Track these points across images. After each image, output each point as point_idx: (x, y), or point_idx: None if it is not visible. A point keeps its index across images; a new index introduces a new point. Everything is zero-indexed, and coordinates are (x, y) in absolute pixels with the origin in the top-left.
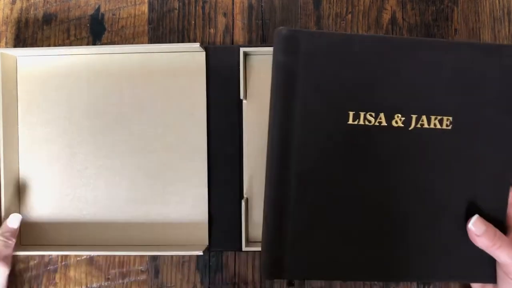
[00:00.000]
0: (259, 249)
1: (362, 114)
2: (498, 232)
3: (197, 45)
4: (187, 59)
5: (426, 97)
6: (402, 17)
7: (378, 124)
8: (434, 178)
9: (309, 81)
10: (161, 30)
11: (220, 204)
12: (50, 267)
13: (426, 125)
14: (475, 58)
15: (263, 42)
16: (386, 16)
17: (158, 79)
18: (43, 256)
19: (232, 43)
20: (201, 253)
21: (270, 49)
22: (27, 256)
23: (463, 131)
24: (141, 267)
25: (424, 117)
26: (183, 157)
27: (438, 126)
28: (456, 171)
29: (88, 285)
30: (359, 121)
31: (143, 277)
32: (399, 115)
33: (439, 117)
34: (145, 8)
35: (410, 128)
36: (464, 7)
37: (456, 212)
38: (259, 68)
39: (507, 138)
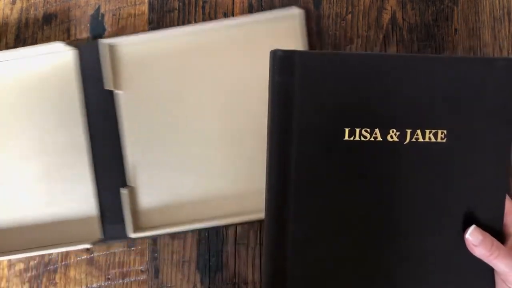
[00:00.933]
0: (151, 234)
1: (357, 130)
2: (496, 242)
3: (61, 44)
4: (55, 61)
5: (420, 112)
6: (402, 17)
7: (373, 139)
8: (431, 190)
9: (305, 100)
10: None
11: (107, 196)
12: (50, 267)
13: (421, 139)
14: (467, 72)
15: None
16: (386, 16)
17: (31, 86)
18: (43, 256)
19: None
20: (89, 245)
21: (136, 37)
22: (27, 256)
23: (458, 143)
24: (141, 267)
25: (418, 131)
26: (66, 156)
27: (433, 140)
28: (452, 182)
29: (88, 285)
30: (354, 137)
31: (143, 277)
32: (394, 130)
33: (433, 131)
34: (145, 8)
35: (405, 143)
36: (464, 7)
37: (454, 223)
38: (129, 59)
39: (501, 149)
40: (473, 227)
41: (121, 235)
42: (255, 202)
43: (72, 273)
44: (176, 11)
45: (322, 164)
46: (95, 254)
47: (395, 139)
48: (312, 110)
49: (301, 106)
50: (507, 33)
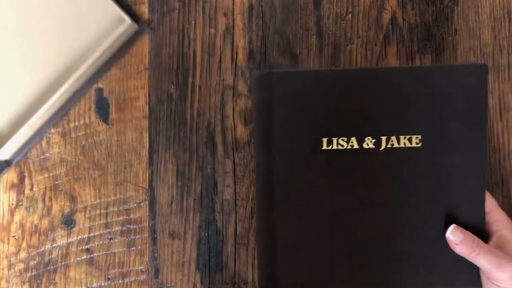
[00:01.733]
0: None
1: (334, 139)
2: (477, 239)
3: None
4: None
5: (394, 119)
6: (402, 17)
7: (350, 147)
8: (410, 192)
9: (284, 114)
10: (161, 30)
11: None
12: (50, 267)
13: (396, 145)
14: (436, 80)
15: (264, 42)
16: (386, 16)
17: None
18: (43, 256)
19: (232, 44)
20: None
21: None
22: (27, 256)
23: (433, 147)
24: (141, 267)
25: (393, 138)
26: None
27: (408, 145)
28: (430, 183)
29: (88, 285)
30: (332, 146)
31: (143, 277)
32: (370, 138)
33: (408, 136)
34: (145, 8)
35: (381, 149)
36: (464, 7)
37: (436, 223)
38: None
39: (475, 150)
40: (453, 226)
41: None
42: None
43: (72, 273)
44: (176, 11)
45: (303, 173)
46: (95, 254)
47: (371, 146)
48: (291, 124)
49: (280, 119)
50: (507, 33)
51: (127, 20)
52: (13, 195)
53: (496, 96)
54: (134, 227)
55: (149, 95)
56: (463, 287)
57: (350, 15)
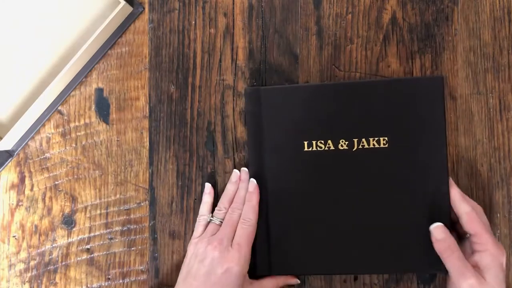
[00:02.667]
0: None
1: (314, 142)
2: (453, 244)
3: None
4: None
5: (363, 124)
6: (402, 17)
7: (327, 148)
8: (380, 186)
9: (270, 122)
10: (161, 30)
11: None
12: (51, 267)
13: (366, 146)
14: (399, 90)
15: (264, 42)
16: (386, 16)
17: None
18: (43, 256)
19: (233, 44)
20: None
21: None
22: (28, 256)
23: (398, 147)
24: (141, 267)
25: (364, 140)
26: None
27: (377, 145)
28: (398, 178)
29: (89, 285)
30: (312, 148)
31: (143, 277)
32: (343, 140)
33: (376, 138)
34: (145, 8)
35: (353, 149)
36: (464, 7)
37: (404, 213)
38: None
39: (435, 147)
40: (438, 224)
41: None
42: None
43: (72, 273)
44: (176, 11)
45: (289, 171)
46: (96, 254)
47: (345, 147)
48: (277, 130)
49: (268, 127)
50: (507, 33)
51: (122, 1)
52: (13, 195)
53: (496, 96)
54: (135, 227)
55: (149, 95)
56: (430, 271)
57: (350, 15)
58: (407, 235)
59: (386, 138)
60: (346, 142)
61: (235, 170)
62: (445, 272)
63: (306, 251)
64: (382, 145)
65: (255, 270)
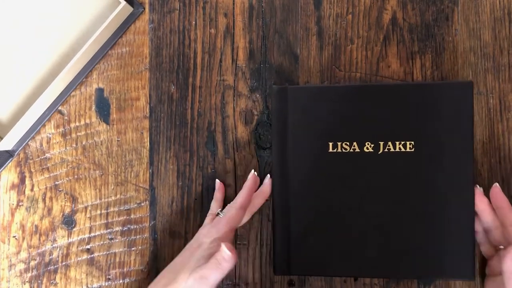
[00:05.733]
0: None
1: (339, 143)
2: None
3: None
4: None
5: (390, 128)
6: (403, 17)
7: (352, 150)
8: (405, 191)
9: (296, 121)
10: (162, 30)
11: None
12: (51, 267)
13: (392, 149)
14: (428, 95)
15: (264, 42)
16: (387, 17)
17: None
18: (43, 256)
19: (233, 44)
20: None
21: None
22: (28, 256)
23: (424, 151)
24: (142, 267)
25: (390, 143)
26: None
27: (403, 149)
28: (423, 183)
29: (89, 285)
30: (337, 149)
31: (143, 277)
32: (369, 142)
33: (402, 142)
34: (145, 8)
35: (379, 152)
36: (464, 7)
37: (430, 218)
38: None
39: (462, 153)
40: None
41: None
42: None
43: (72, 273)
44: (177, 11)
45: (312, 172)
46: (96, 254)
47: (370, 150)
48: (302, 129)
49: (293, 126)
50: (507, 33)
51: (122, 1)
52: (13, 195)
53: (496, 96)
54: (135, 227)
55: (149, 95)
56: (456, 278)
57: (350, 16)
58: (429, 241)
59: (412, 143)
60: (372, 145)
61: (253, 172)
62: (470, 278)
63: (327, 253)
64: (408, 149)
65: (274, 270)
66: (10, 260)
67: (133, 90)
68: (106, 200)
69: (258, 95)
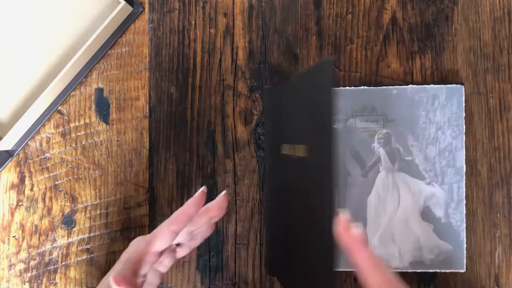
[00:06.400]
0: None
1: (285, 146)
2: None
3: None
4: None
5: (295, 129)
6: (403, 17)
7: (287, 153)
8: (310, 199)
9: (267, 122)
10: (161, 30)
11: None
12: (51, 267)
13: (297, 154)
14: (308, 85)
15: (264, 42)
16: (387, 16)
17: None
18: (43, 256)
19: (233, 44)
20: None
21: None
22: (28, 256)
23: (314, 157)
24: None
25: (296, 146)
26: None
27: (301, 154)
28: (315, 188)
29: (89, 285)
30: (285, 151)
31: None
32: (288, 146)
33: (300, 146)
34: (145, 8)
35: (294, 157)
36: (464, 7)
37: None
38: None
39: (325, 160)
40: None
41: None
42: None
43: (72, 273)
44: (176, 11)
45: (275, 174)
46: (96, 254)
47: (289, 153)
48: (270, 130)
49: (267, 126)
50: (507, 33)
51: (122, 1)
52: (13, 195)
53: (496, 96)
54: (135, 227)
55: (149, 95)
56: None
57: (350, 15)
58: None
59: (304, 147)
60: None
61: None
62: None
63: (284, 256)
64: (303, 154)
65: (265, 269)
66: (10, 260)
67: (132, 90)
68: (105, 200)
69: (257, 95)
